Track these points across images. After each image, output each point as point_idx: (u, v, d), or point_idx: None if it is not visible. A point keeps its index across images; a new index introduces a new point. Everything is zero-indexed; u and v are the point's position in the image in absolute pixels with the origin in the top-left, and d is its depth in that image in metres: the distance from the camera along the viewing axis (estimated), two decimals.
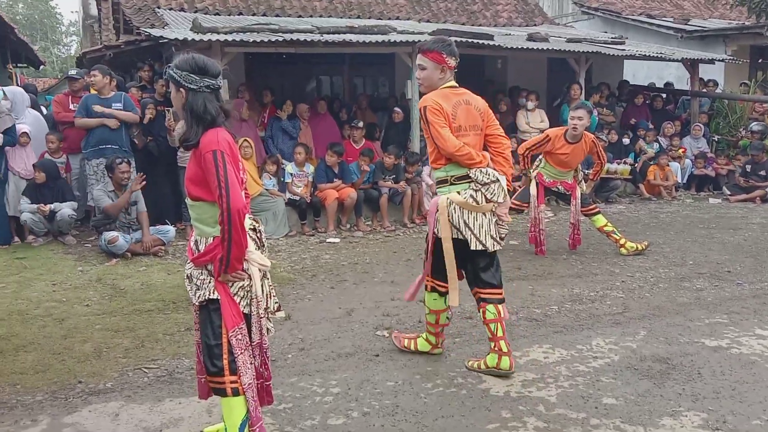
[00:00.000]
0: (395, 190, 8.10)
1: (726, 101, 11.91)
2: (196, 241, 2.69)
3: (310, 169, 8.03)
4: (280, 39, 7.70)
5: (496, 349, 3.62)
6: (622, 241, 6.44)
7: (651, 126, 10.82)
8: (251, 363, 2.67)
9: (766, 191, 9.70)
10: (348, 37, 8.20)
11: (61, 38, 46.24)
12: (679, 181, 10.40)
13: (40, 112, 8.40)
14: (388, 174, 8.20)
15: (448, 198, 3.59)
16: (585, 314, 4.70)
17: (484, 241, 3.56)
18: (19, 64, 16.97)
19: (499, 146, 3.73)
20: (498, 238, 3.62)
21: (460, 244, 3.59)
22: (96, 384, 3.61)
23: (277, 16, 11.02)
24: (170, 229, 6.83)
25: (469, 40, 8.79)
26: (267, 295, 2.75)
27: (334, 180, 7.91)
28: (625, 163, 10.08)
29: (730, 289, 5.30)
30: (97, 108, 6.99)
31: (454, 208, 3.57)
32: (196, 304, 2.68)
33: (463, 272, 3.74)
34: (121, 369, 3.81)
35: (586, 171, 7.15)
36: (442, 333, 3.92)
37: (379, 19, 11.73)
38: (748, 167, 10.11)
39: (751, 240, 7.11)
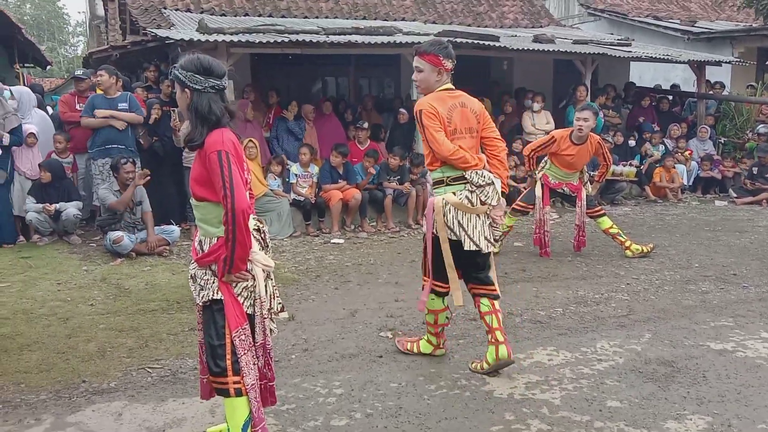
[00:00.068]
0: (400, 191, 8.09)
1: (733, 103, 11.86)
2: (200, 241, 2.69)
3: (314, 169, 8.03)
4: (286, 40, 7.71)
5: (492, 340, 3.65)
6: (627, 244, 6.41)
7: (657, 128, 10.79)
8: (254, 363, 2.67)
9: None
10: (354, 38, 8.21)
11: (68, 38, 46.45)
12: (685, 183, 10.36)
13: (46, 112, 8.43)
14: (392, 175, 8.20)
15: (443, 199, 3.62)
16: (590, 316, 4.68)
17: (477, 242, 3.60)
18: (26, 64, 17.05)
19: (495, 149, 3.76)
20: (491, 240, 3.66)
21: (455, 245, 3.62)
22: (99, 383, 3.62)
23: (283, 17, 11.04)
24: (175, 229, 6.85)
25: (475, 42, 8.78)
26: (270, 295, 2.74)
27: (339, 181, 7.91)
28: (630, 165, 10.04)
29: (735, 292, 5.28)
30: (100, 113, 7.00)
31: (449, 209, 3.60)
32: (200, 304, 2.68)
33: (460, 271, 3.75)
34: (125, 369, 3.81)
35: (592, 173, 7.13)
36: (442, 333, 3.93)
37: (385, 20, 11.74)
38: (755, 170, 10.07)
39: (757, 243, 7.07)
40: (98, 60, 10.49)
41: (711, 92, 11.79)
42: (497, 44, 9.01)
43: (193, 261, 2.71)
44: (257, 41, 7.55)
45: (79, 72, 8.25)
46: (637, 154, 10.40)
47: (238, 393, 2.62)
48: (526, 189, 6.94)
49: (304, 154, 7.91)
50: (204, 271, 2.64)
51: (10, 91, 7.50)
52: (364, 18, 11.74)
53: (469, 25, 12.33)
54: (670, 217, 8.72)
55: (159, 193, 7.19)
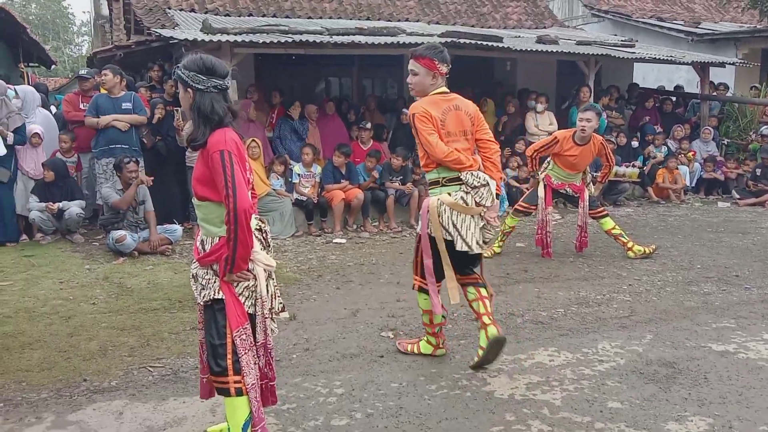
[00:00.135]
0: (402, 192, 8.10)
1: (736, 105, 11.83)
2: (202, 240, 2.70)
3: (317, 169, 8.04)
4: (290, 40, 7.72)
5: (481, 324, 3.71)
6: (629, 245, 6.40)
7: (660, 129, 10.77)
8: (255, 363, 2.67)
9: None
10: (357, 38, 8.21)
11: (72, 38, 46.57)
12: (688, 184, 10.34)
13: (50, 111, 8.46)
14: (395, 175, 8.20)
15: (438, 199, 3.66)
16: (591, 317, 4.68)
17: (469, 243, 3.64)
18: (30, 64, 17.12)
19: (488, 151, 3.79)
20: (482, 242, 3.72)
21: (447, 244, 3.67)
22: (101, 382, 3.62)
23: (286, 17, 11.04)
24: (178, 229, 6.86)
25: (479, 42, 8.78)
26: (272, 295, 2.75)
27: (342, 181, 7.92)
28: (633, 166, 10.03)
29: (738, 293, 5.26)
30: (104, 119, 7.01)
31: (445, 209, 3.64)
32: (201, 303, 2.69)
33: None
34: (126, 367, 3.82)
35: (595, 173, 7.12)
36: (441, 333, 3.94)
37: (389, 20, 11.74)
38: (758, 171, 10.04)
39: (759, 244, 7.05)
40: (102, 59, 10.51)
41: (714, 93, 11.76)
42: (501, 45, 9.00)
43: (194, 260, 2.72)
44: (261, 41, 7.56)
45: (83, 71, 8.28)
46: (640, 155, 10.38)
47: (239, 392, 2.62)
48: (528, 190, 6.93)
49: (306, 154, 7.92)
50: (206, 270, 2.65)
51: (15, 90, 7.53)
52: (368, 18, 11.74)
53: (472, 26, 12.32)
54: (672, 218, 8.70)
55: (162, 192, 7.21)
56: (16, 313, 4.76)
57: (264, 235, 2.75)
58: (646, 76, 13.96)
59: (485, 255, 6.39)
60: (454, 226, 3.63)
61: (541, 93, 10.17)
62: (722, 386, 3.52)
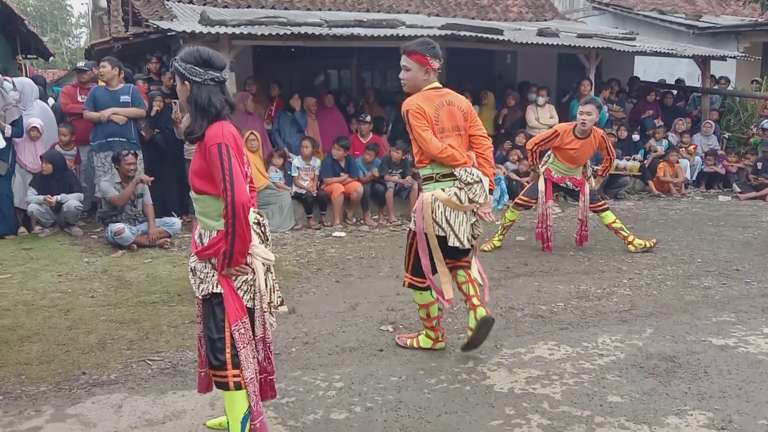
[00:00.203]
0: (401, 185, 8.08)
1: (737, 98, 11.80)
2: (200, 234, 2.68)
3: (316, 162, 8.02)
4: (289, 32, 7.68)
5: (469, 306, 3.77)
6: (630, 238, 6.39)
7: (660, 123, 10.74)
8: (254, 357, 2.66)
9: None
10: (356, 30, 8.17)
11: (71, 30, 46.37)
12: (689, 178, 10.32)
13: (47, 103, 8.42)
14: (395, 168, 8.18)
15: (432, 195, 3.68)
16: (591, 311, 4.67)
17: (461, 239, 3.69)
18: (28, 56, 17.04)
19: (481, 147, 3.81)
20: (472, 237, 3.77)
21: (440, 240, 3.71)
22: (100, 375, 3.62)
23: (285, 9, 10.98)
24: (176, 222, 6.84)
25: (479, 35, 8.74)
26: (270, 289, 2.74)
27: (341, 174, 7.89)
28: (634, 159, 10.00)
29: (738, 287, 5.26)
30: (104, 113, 6.97)
31: (438, 205, 3.66)
32: (200, 297, 2.68)
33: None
34: (125, 361, 3.81)
35: (595, 167, 7.10)
36: (440, 326, 3.94)
37: (388, 12, 11.68)
38: (759, 165, 10.02)
39: (760, 238, 7.04)
40: (100, 51, 10.46)
41: (716, 87, 11.73)
42: (501, 38, 8.96)
43: (193, 254, 2.70)
44: (259, 33, 7.52)
45: (81, 63, 8.23)
46: (641, 148, 10.36)
47: (238, 386, 2.61)
48: (529, 183, 6.91)
49: (306, 147, 7.89)
50: (204, 264, 2.63)
51: (13, 82, 7.49)
52: (368, 10, 11.68)
53: (473, 18, 12.26)
54: (673, 212, 8.69)
55: (160, 185, 7.18)
56: (15, 306, 4.75)
57: (262, 228, 2.74)
58: (647, 70, 13.92)
59: (485, 249, 6.42)
60: (448, 221, 3.66)
61: (543, 86, 10.13)
62: (722, 380, 3.51)
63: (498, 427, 3.05)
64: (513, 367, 3.70)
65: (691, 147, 10.52)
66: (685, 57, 11.13)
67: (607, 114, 9.99)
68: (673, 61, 13.25)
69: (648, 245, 6.38)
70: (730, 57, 11.48)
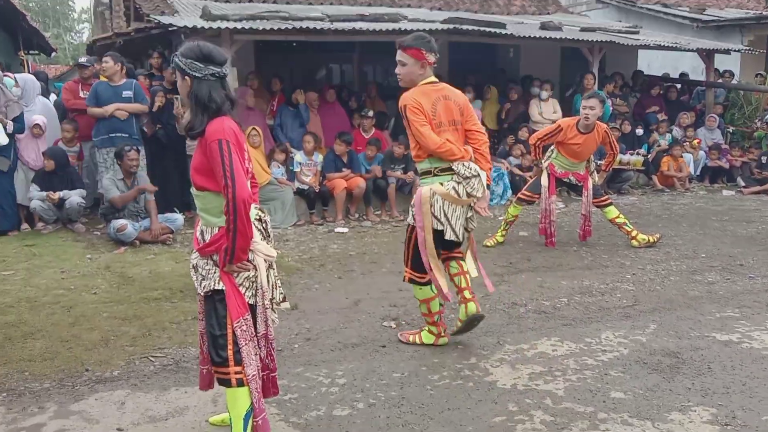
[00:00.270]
0: (404, 180, 8.06)
1: (741, 92, 11.74)
2: (201, 230, 2.67)
3: (318, 158, 8.00)
4: (290, 27, 7.65)
5: (461, 298, 3.81)
6: (633, 233, 6.37)
7: (665, 117, 10.69)
8: (256, 354, 2.66)
9: None
10: (358, 25, 8.14)
11: (73, 25, 46.33)
12: (693, 172, 10.28)
13: (48, 98, 8.41)
14: (397, 163, 8.16)
15: (431, 189, 3.70)
16: (594, 307, 4.66)
17: (458, 233, 3.74)
18: (30, 51, 17.02)
19: (476, 142, 3.83)
20: (465, 230, 3.83)
21: (437, 233, 3.74)
22: (103, 372, 3.62)
23: (287, 3, 10.94)
24: (178, 218, 6.84)
25: (482, 29, 8.70)
26: (272, 285, 2.73)
27: (343, 169, 7.88)
28: (638, 153, 9.96)
29: (742, 282, 5.23)
30: (108, 108, 6.96)
31: (437, 199, 3.68)
32: (202, 294, 2.67)
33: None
34: (128, 357, 3.81)
35: (599, 162, 7.07)
36: (441, 321, 3.94)
37: (390, 6, 11.63)
38: (764, 159, 9.99)
39: (764, 233, 7.02)
40: (102, 47, 10.43)
41: (720, 81, 11.66)
42: (504, 32, 8.92)
43: (194, 250, 2.69)
44: (261, 28, 7.50)
45: (82, 59, 8.21)
46: (645, 143, 10.32)
47: (240, 383, 2.61)
48: (532, 178, 6.89)
49: (308, 143, 7.88)
50: (206, 260, 2.63)
51: (15, 78, 7.49)
52: (369, 5, 11.64)
53: (475, 12, 12.21)
54: (677, 206, 8.66)
55: (162, 181, 7.18)
56: (18, 303, 4.76)
57: (264, 225, 2.73)
58: (650, 63, 13.86)
59: (488, 245, 6.41)
60: (446, 215, 3.69)
61: (545, 80, 10.09)
62: (726, 376, 3.50)
63: (501, 423, 3.04)
64: (516, 363, 3.69)
65: (695, 141, 10.48)
66: (689, 50, 11.08)
67: (611, 108, 9.94)
68: (677, 55, 13.20)
69: (651, 240, 6.35)
70: (735, 50, 11.42)
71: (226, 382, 2.63)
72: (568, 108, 9.75)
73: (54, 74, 20.76)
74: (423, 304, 3.89)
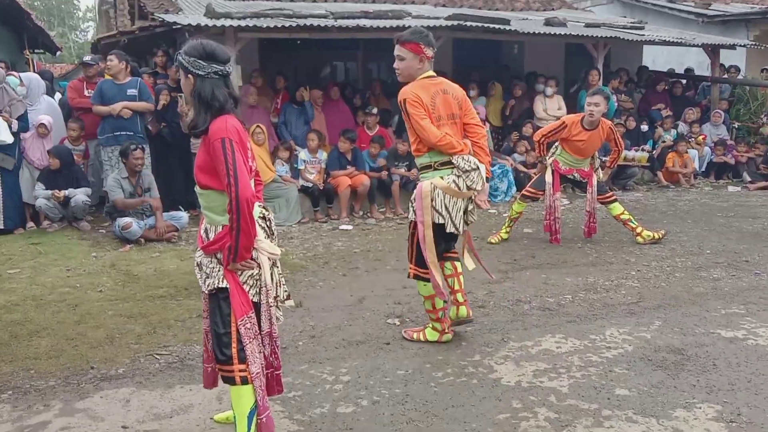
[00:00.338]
0: (408, 177, 8.05)
1: (747, 88, 11.67)
2: (206, 229, 2.68)
3: (323, 155, 8.00)
4: (294, 24, 7.65)
5: (453, 300, 3.86)
6: (638, 230, 6.35)
7: (669, 113, 10.65)
8: (260, 352, 2.66)
9: None
10: (362, 22, 8.13)
11: (78, 24, 46.42)
12: (698, 168, 10.24)
13: (53, 97, 8.43)
14: (401, 161, 8.15)
15: (431, 183, 3.72)
16: (599, 304, 4.65)
17: (458, 226, 3.77)
18: (35, 50, 17.05)
19: (475, 135, 3.85)
20: (464, 223, 3.86)
21: (438, 227, 3.76)
22: (108, 370, 3.63)
23: (291, 1, 10.94)
24: (183, 215, 6.86)
25: (486, 25, 8.68)
26: (276, 283, 2.74)
27: (347, 167, 7.88)
28: (642, 150, 9.93)
29: (747, 279, 5.21)
30: (115, 107, 6.97)
31: (438, 193, 3.70)
32: (206, 292, 2.68)
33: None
34: (133, 355, 3.83)
35: (603, 158, 7.06)
36: (445, 318, 3.95)
37: (394, 3, 11.61)
38: None
39: None
40: (107, 45, 10.46)
41: (725, 76, 11.60)
42: (508, 28, 8.90)
43: (199, 248, 2.70)
44: (265, 26, 7.50)
45: (87, 58, 8.23)
46: (650, 139, 10.28)
47: (244, 381, 2.61)
48: (536, 175, 6.88)
49: (312, 140, 7.88)
50: (210, 259, 2.63)
51: (20, 77, 7.51)
52: (373, 1, 11.62)
53: (479, 8, 12.18)
54: (682, 202, 8.63)
55: (167, 179, 7.20)
56: (23, 301, 4.78)
57: (268, 223, 2.73)
58: (656, 59, 13.80)
59: (492, 241, 6.40)
60: (447, 209, 3.71)
61: (550, 76, 10.06)
62: (731, 373, 3.49)
63: (505, 420, 3.04)
64: (520, 360, 3.69)
65: (701, 137, 10.43)
66: (694, 46, 11.02)
67: (616, 104, 9.90)
68: (683, 50, 13.12)
69: (656, 237, 6.34)
70: (740, 45, 11.35)
71: (230, 380, 2.64)
72: (573, 104, 9.72)
73: (59, 73, 20.80)
74: (427, 300, 3.89)
